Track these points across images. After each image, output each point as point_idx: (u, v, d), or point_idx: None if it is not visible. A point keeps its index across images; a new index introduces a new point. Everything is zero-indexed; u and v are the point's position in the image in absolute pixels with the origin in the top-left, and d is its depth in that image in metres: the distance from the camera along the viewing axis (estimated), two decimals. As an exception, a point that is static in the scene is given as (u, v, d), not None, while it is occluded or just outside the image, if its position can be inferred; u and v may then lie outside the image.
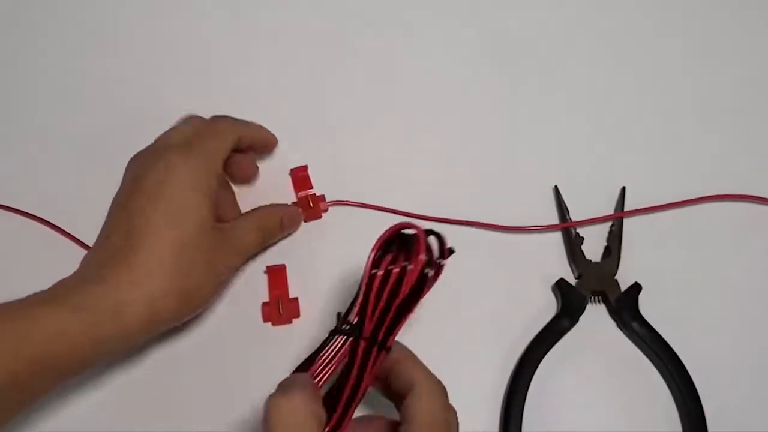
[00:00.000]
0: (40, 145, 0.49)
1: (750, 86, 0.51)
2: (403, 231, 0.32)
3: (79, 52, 0.52)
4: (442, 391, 0.31)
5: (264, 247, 0.44)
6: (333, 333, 0.32)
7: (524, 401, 0.40)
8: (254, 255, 0.44)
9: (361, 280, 0.32)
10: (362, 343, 0.31)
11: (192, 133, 0.41)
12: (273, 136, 0.47)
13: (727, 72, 0.52)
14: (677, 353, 0.41)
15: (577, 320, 0.43)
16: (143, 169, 0.38)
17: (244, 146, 0.44)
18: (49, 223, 0.46)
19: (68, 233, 0.45)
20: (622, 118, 0.50)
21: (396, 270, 0.31)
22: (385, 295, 0.31)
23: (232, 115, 0.44)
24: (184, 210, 0.37)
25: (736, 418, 0.41)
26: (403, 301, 0.31)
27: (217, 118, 0.43)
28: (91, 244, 0.39)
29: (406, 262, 0.31)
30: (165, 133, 0.41)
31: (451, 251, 0.32)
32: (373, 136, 0.49)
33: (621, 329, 0.43)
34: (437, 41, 0.52)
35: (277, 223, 0.43)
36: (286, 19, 0.53)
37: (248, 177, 0.47)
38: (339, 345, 0.31)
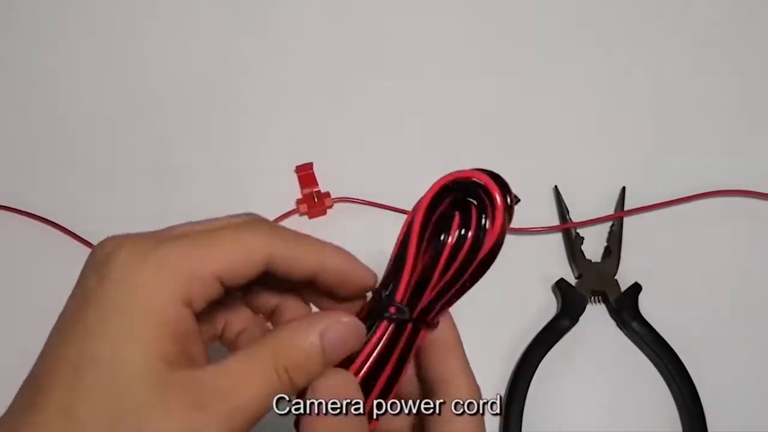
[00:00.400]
0: (41, 145, 0.49)
1: (748, 84, 0.51)
2: (458, 180, 0.26)
3: (79, 51, 0.52)
4: (478, 398, 0.26)
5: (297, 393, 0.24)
6: (375, 319, 0.25)
7: (524, 401, 0.40)
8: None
9: (406, 255, 0.25)
10: (409, 326, 0.25)
11: (196, 228, 0.25)
12: (357, 266, 0.27)
13: (726, 71, 0.52)
14: (677, 353, 0.41)
15: (577, 320, 0.43)
16: (88, 259, 0.24)
17: (296, 274, 0.25)
18: (51, 221, 0.46)
19: (69, 231, 0.45)
20: (621, 118, 0.50)
21: (471, 234, 0.25)
22: (455, 267, 0.25)
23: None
24: (116, 338, 0.22)
25: (736, 418, 0.41)
26: (477, 270, 0.25)
27: (251, 219, 0.26)
28: (93, 243, 0.38)
29: (485, 221, 0.25)
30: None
31: (517, 200, 0.27)
32: (378, 135, 0.49)
33: (621, 329, 0.43)
34: (439, 40, 0.53)
35: (314, 350, 0.24)
36: (289, 19, 0.53)
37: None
38: (382, 332, 0.25)
